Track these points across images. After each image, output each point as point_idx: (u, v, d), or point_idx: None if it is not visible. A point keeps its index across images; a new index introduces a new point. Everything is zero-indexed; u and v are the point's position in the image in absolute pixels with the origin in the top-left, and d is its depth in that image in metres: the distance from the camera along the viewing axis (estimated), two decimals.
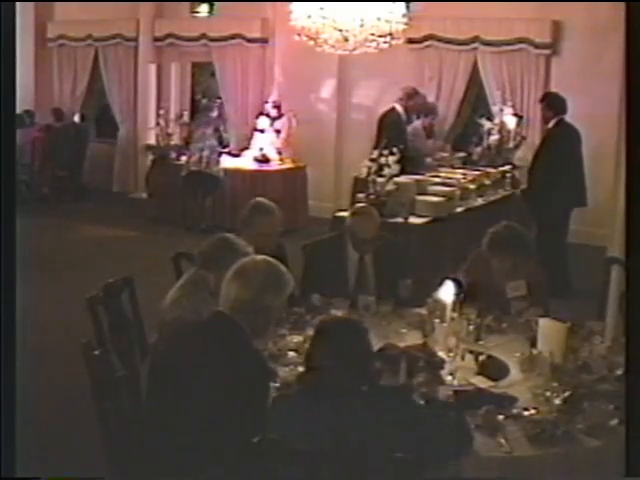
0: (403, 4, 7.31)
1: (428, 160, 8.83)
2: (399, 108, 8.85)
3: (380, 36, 7.09)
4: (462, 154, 9.19)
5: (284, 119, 10.33)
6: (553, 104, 7.44)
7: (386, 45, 7.18)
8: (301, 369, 3.39)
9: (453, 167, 8.74)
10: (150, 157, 11.31)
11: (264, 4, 10.61)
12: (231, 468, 2.76)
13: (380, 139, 8.02)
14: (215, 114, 10.29)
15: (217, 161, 9.92)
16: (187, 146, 10.22)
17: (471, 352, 3.67)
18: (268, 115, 10.39)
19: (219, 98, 10.99)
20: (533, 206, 7.62)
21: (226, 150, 10.37)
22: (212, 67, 11.84)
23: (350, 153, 10.20)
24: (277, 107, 10.42)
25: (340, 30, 6.98)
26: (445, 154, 9.18)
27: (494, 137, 9.15)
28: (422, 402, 3.01)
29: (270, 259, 3.19)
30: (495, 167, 8.73)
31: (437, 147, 9.38)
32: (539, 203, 7.43)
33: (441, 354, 3.51)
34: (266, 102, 10.60)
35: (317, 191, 10.41)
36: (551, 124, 7.45)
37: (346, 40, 7.06)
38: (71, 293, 5.05)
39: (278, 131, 10.31)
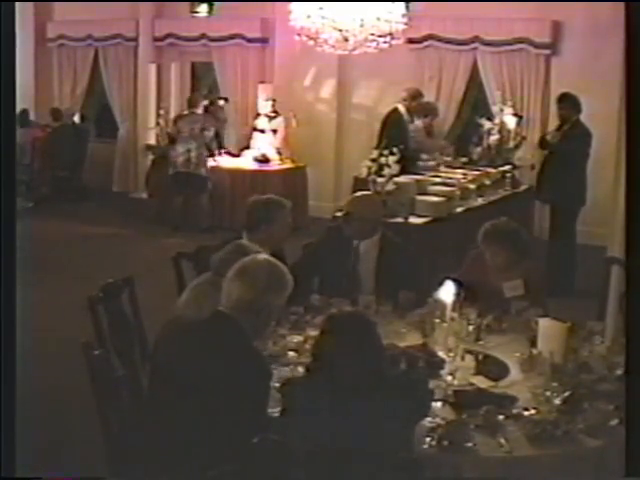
0: (403, 4, 7.32)
1: (428, 160, 8.83)
2: (401, 108, 8.84)
3: (380, 36, 7.09)
4: (464, 159, 9.18)
5: (280, 118, 10.31)
6: (576, 104, 7.49)
7: (386, 45, 7.19)
8: (301, 369, 3.40)
9: (453, 167, 8.75)
10: (150, 157, 11.31)
11: (264, 4, 10.60)
12: (231, 468, 2.76)
13: (382, 139, 8.02)
14: (200, 111, 10.13)
15: (204, 161, 9.83)
16: (173, 145, 10.15)
17: (470, 352, 3.67)
18: (267, 115, 10.36)
19: (207, 96, 10.87)
20: (548, 204, 7.72)
21: (216, 149, 10.22)
22: (212, 67, 11.85)
23: (350, 153, 10.20)
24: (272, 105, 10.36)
25: (340, 30, 6.99)
26: (448, 158, 9.17)
27: (494, 137, 9.14)
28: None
29: (271, 258, 3.21)
30: (495, 167, 8.73)
31: (439, 147, 9.37)
32: (556, 203, 7.51)
33: (441, 354, 3.51)
34: (260, 100, 10.50)
35: (317, 191, 10.41)
36: (569, 124, 7.48)
37: (346, 40, 7.07)
38: (71, 293, 5.05)
39: (275, 131, 10.29)
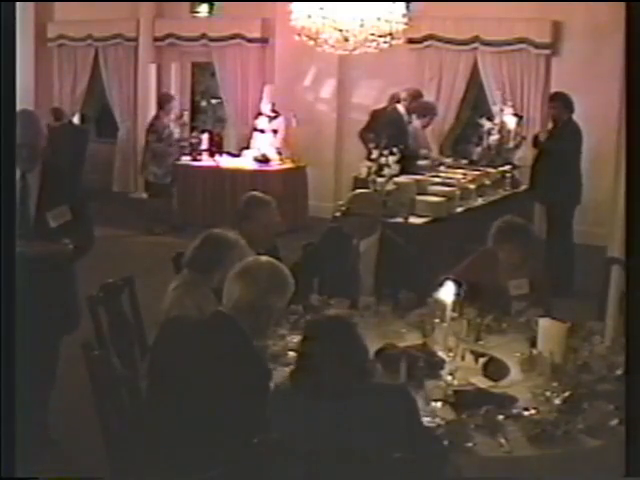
0: (403, 4, 7.32)
1: (427, 158, 8.82)
2: (401, 108, 8.83)
3: (380, 36, 7.09)
4: (464, 161, 9.18)
5: (281, 119, 10.30)
6: (568, 102, 7.49)
7: (386, 45, 7.19)
8: None
9: (453, 167, 8.75)
10: None
11: (264, 4, 10.60)
12: (231, 468, 2.76)
13: (380, 135, 7.99)
14: (168, 115, 9.95)
15: (146, 164, 9.76)
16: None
17: (471, 352, 3.67)
18: (267, 115, 10.34)
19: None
20: (543, 204, 7.72)
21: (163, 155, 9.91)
22: (212, 67, 11.85)
23: (350, 153, 10.18)
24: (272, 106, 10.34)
25: (340, 30, 6.99)
26: (448, 159, 9.17)
27: (494, 137, 9.14)
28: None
29: (273, 260, 3.21)
30: (495, 167, 8.73)
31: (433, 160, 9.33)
32: (549, 201, 7.52)
33: (441, 354, 3.51)
34: (262, 100, 10.47)
35: (317, 191, 10.41)
36: (561, 123, 7.48)
37: (346, 40, 7.07)
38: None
39: (275, 131, 10.28)
